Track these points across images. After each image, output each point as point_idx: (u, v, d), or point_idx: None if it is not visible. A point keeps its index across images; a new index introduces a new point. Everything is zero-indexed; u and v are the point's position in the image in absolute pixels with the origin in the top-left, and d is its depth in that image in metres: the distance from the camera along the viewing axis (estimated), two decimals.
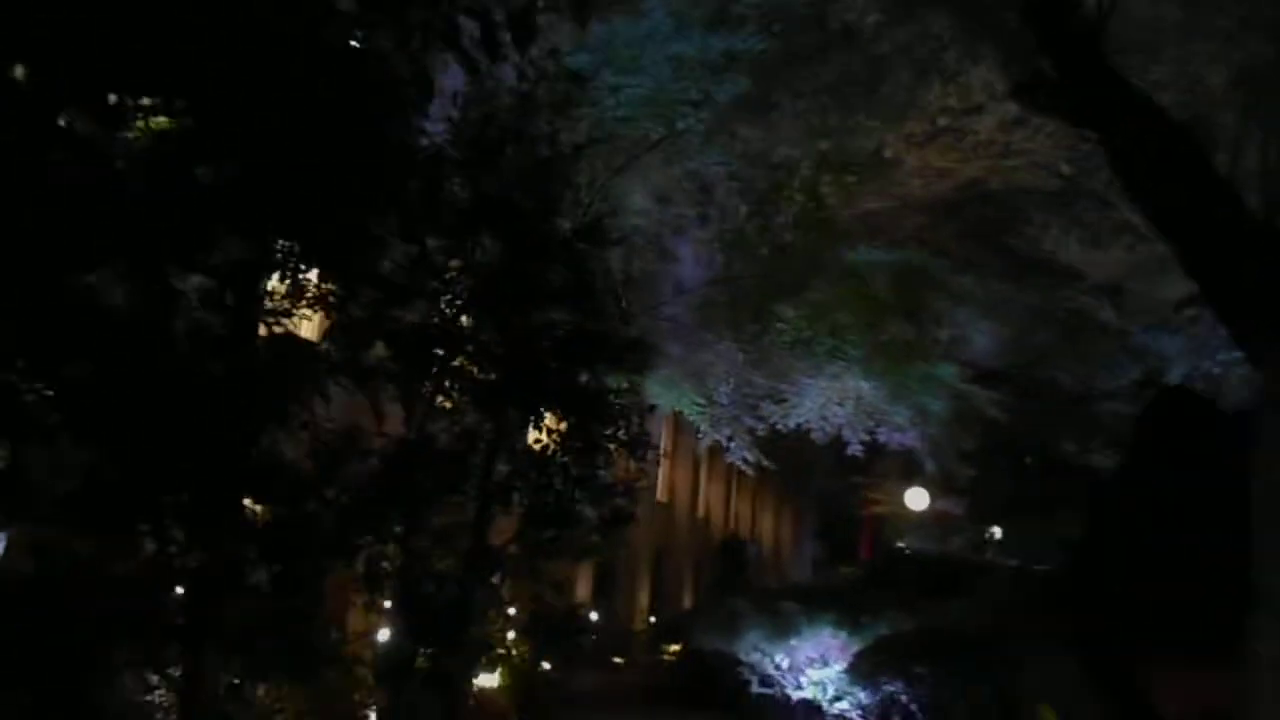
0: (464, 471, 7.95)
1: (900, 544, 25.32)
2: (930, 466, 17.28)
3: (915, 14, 11.74)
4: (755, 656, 16.82)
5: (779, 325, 12.91)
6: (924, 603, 16.17)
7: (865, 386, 14.34)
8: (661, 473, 33.06)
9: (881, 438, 16.16)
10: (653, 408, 9.72)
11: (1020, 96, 11.18)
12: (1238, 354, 15.11)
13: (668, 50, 10.11)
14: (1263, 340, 8.69)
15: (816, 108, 12.57)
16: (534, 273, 8.85)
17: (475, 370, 8.33)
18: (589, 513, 9.31)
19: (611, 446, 9.20)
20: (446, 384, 7.91)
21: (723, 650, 17.34)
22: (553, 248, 9.14)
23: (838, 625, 16.82)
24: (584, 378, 8.94)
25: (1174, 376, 16.11)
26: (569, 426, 8.83)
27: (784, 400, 15.31)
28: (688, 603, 32.39)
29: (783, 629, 17.09)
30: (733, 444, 15.97)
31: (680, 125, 10.77)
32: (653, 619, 27.70)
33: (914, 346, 13.00)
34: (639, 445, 9.27)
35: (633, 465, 9.42)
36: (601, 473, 9.32)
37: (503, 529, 8.78)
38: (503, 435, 8.53)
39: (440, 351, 8.11)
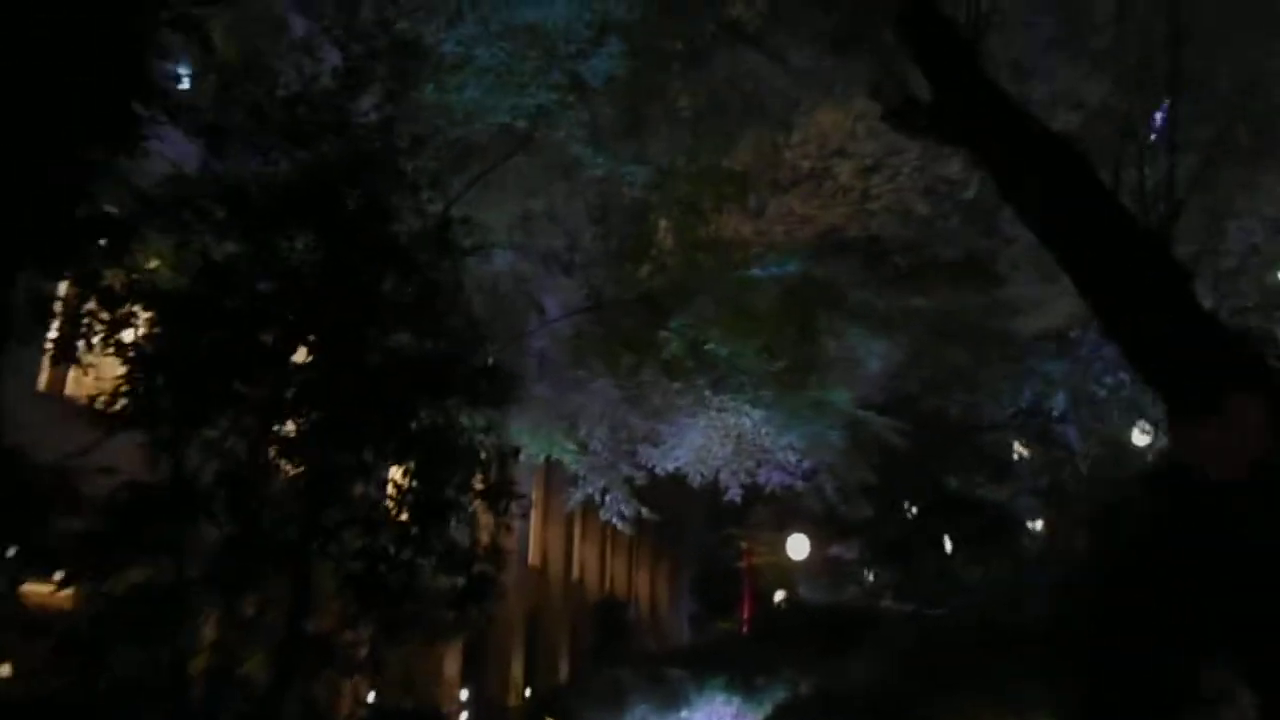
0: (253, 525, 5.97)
1: (783, 595, 24.04)
2: (819, 507, 15.99)
3: (791, 22, 10.83)
4: None
5: (659, 356, 11.41)
6: (821, 659, 14.83)
7: (749, 422, 13.00)
8: (533, 532, 31.16)
9: (762, 479, 14.86)
10: (517, 451, 8.00)
11: (894, 118, 10.56)
12: (1122, 376, 14.80)
13: (524, 16, 8.64)
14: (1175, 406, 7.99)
15: (687, 123, 11.45)
16: (363, 283, 7.06)
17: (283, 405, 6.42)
18: (444, 583, 7.42)
19: (466, 499, 7.39)
20: (234, 420, 5.93)
21: None
22: (389, 255, 7.39)
23: (730, 690, 15.31)
24: (427, 413, 7.15)
25: (1058, 403, 15.60)
26: (411, 474, 7.01)
27: (662, 443, 13.82)
28: (565, 672, 30.42)
29: (671, 699, 15.43)
30: (609, 497, 14.30)
31: (539, 103, 9.26)
32: (529, 691, 25.44)
33: (807, 370, 11.74)
34: (502, 496, 7.48)
35: (497, 523, 7.60)
36: (455, 532, 7.47)
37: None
38: (324, 486, 6.61)
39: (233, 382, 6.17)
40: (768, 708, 14.94)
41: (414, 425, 7.03)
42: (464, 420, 7.47)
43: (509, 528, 7.58)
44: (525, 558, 30.37)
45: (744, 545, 29.89)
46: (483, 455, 7.38)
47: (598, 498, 14.37)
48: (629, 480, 14.23)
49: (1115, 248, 8.22)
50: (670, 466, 14.30)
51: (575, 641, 31.57)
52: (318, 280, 6.96)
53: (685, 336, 10.82)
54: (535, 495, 27.86)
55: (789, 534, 22.75)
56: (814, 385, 12.32)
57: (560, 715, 16.62)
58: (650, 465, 14.19)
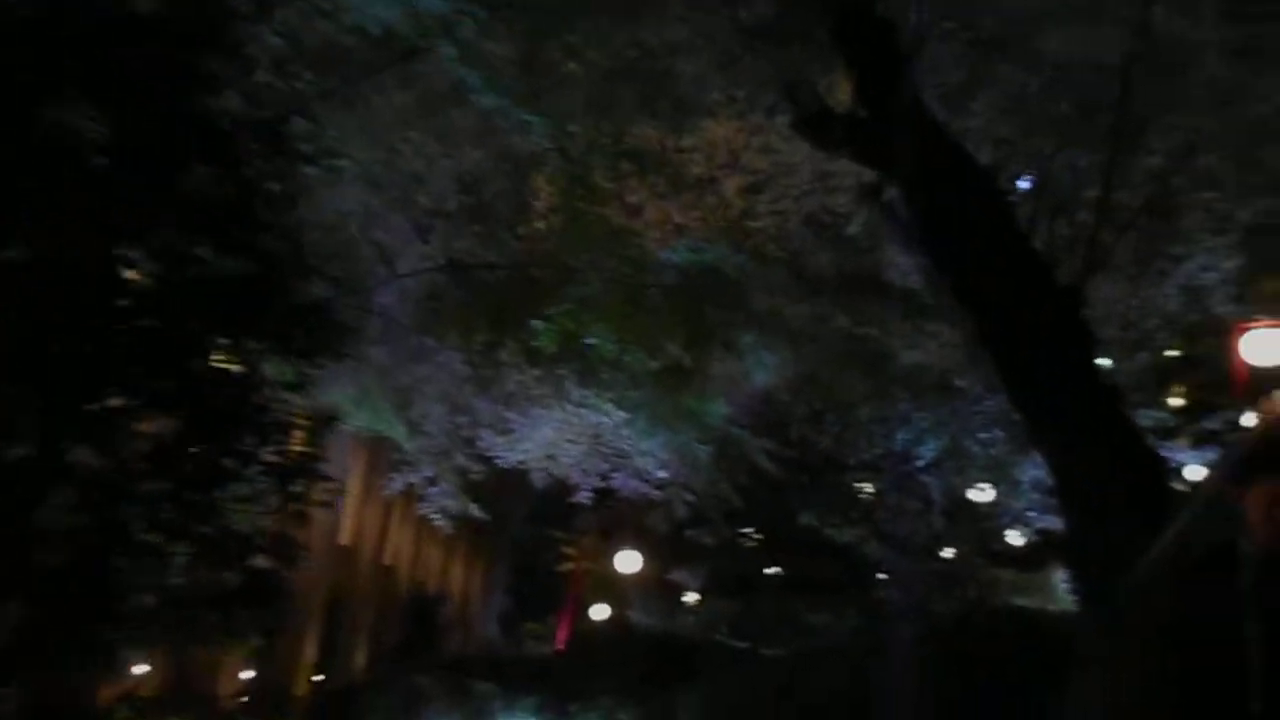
0: None
1: (607, 610, 22.72)
2: (664, 526, 14.72)
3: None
4: None
5: (522, 335, 9.74)
6: (644, 691, 13.56)
7: (610, 422, 11.58)
8: (349, 508, 28.79)
9: (615, 483, 13.49)
10: (332, 420, 6.30)
11: (805, 126, 9.72)
12: (997, 433, 14.29)
13: None
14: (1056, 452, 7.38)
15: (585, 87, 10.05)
16: (149, 159, 5.18)
17: None
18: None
19: (252, 473, 5.60)
20: None
21: None
22: (197, 134, 5.52)
23: (540, 714, 13.80)
24: (217, 353, 5.33)
25: (926, 452, 14.94)
26: (178, 432, 5.19)
27: (509, 432, 12.21)
28: (365, 660, 28.15)
29: (474, 716, 13.76)
30: (434, 489, 12.52)
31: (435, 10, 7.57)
32: (321, 677, 23.59)
33: (688, 375, 10.41)
34: (302, 475, 5.72)
35: (290, 508, 5.81)
36: (236, 516, 5.68)
37: None
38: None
39: None
40: None
41: (193, 366, 5.21)
42: (267, 370, 5.68)
43: (306, 514, 5.83)
44: (335, 535, 28.16)
45: (569, 550, 28.40)
46: (281, 418, 5.62)
47: (423, 487, 12.57)
48: (463, 472, 12.50)
49: (1024, 299, 7.76)
50: (515, 459, 12.69)
51: (380, 631, 29.43)
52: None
53: (559, 321, 9.25)
54: (356, 467, 25.67)
55: (618, 546, 21.46)
56: (691, 392, 11.00)
57: (350, 717, 14.67)
58: (492, 455, 12.53)
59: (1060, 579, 16.99)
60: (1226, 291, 13.77)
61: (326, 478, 5.98)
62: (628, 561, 20.05)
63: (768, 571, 16.17)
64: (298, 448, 5.74)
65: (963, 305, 8.37)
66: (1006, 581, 15.45)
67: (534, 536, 30.92)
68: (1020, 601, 15.46)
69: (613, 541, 22.37)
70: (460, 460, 12.17)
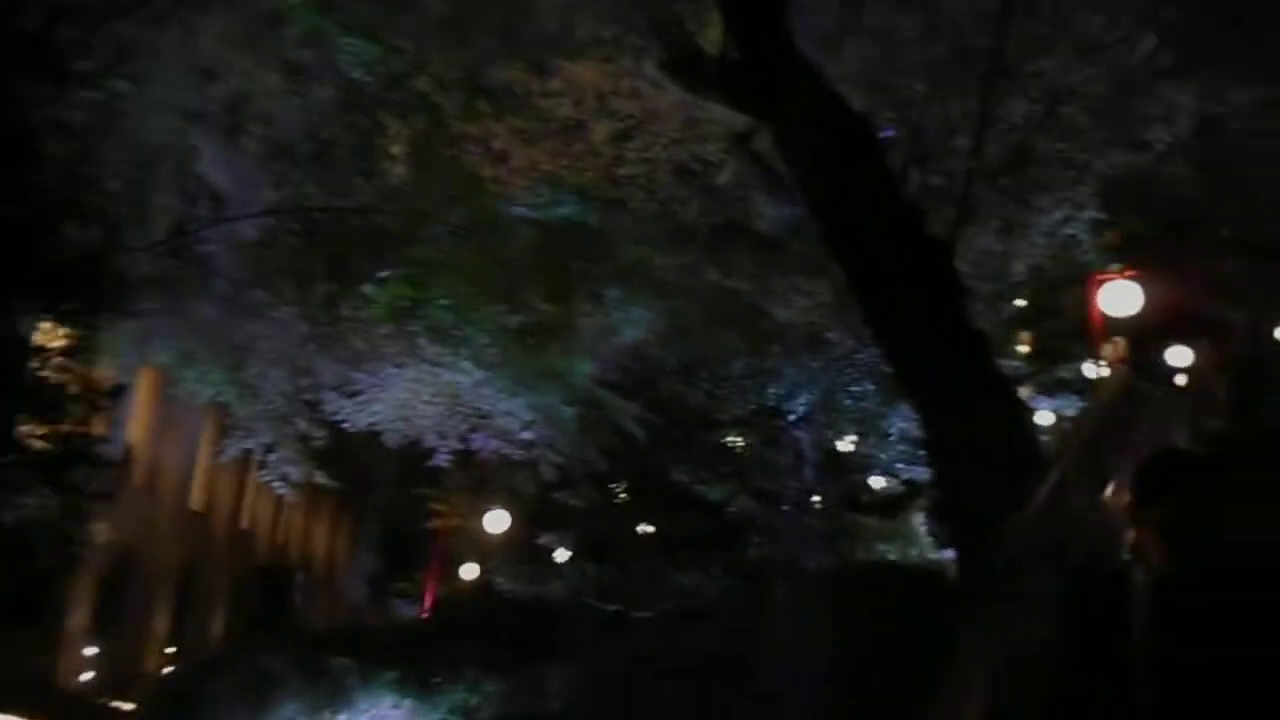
0: None
1: (476, 570, 22.01)
2: (532, 487, 14.05)
3: None
4: None
5: (368, 288, 8.72)
6: (512, 662, 12.98)
7: (468, 381, 10.77)
8: (199, 472, 27.00)
9: (475, 444, 12.74)
10: (119, 390, 5.34)
11: (676, 69, 9.15)
12: (869, 386, 14.23)
13: None
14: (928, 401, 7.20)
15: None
16: None
17: None
18: None
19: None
20: None
21: None
22: None
23: (402, 688, 13.01)
24: None
25: (797, 406, 14.80)
26: None
27: (357, 393, 11.22)
28: (220, 631, 26.67)
29: (329, 697, 12.86)
30: (274, 455, 11.42)
31: None
32: (173, 650, 22.85)
33: (550, 332, 9.67)
34: (77, 458, 4.79)
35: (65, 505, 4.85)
36: None
37: None
38: None
39: None
40: (443, 712, 12.81)
41: None
42: (30, 334, 4.69)
43: (79, 511, 4.89)
44: (185, 500, 26.48)
45: (438, 508, 27.45)
46: (53, 390, 4.67)
47: (260, 454, 11.47)
48: (304, 439, 11.45)
49: (896, 248, 7.55)
50: (365, 422, 11.75)
51: (239, 600, 27.97)
52: None
53: (395, 286, 8.32)
54: (205, 429, 23.97)
55: (489, 505, 20.68)
56: (554, 351, 10.30)
57: (192, 704, 13.51)
58: (339, 419, 11.54)
59: (920, 523, 17.31)
60: (1087, 243, 14.02)
61: (103, 464, 5.06)
62: (496, 521, 19.34)
63: (638, 531, 15.77)
64: (69, 428, 4.79)
65: (834, 255, 8.07)
66: (872, 529, 15.49)
67: (404, 496, 29.86)
68: (885, 549, 15.53)
69: (484, 500, 21.57)
70: (302, 426, 11.12)
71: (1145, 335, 15.25)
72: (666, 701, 9.56)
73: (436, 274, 8.51)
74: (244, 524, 30.36)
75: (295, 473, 11.73)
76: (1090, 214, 13.22)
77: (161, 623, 25.15)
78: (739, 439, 15.47)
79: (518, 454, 12.30)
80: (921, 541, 15.28)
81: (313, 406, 11.24)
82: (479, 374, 10.72)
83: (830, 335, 12.20)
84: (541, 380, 10.35)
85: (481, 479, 20.23)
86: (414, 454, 13.95)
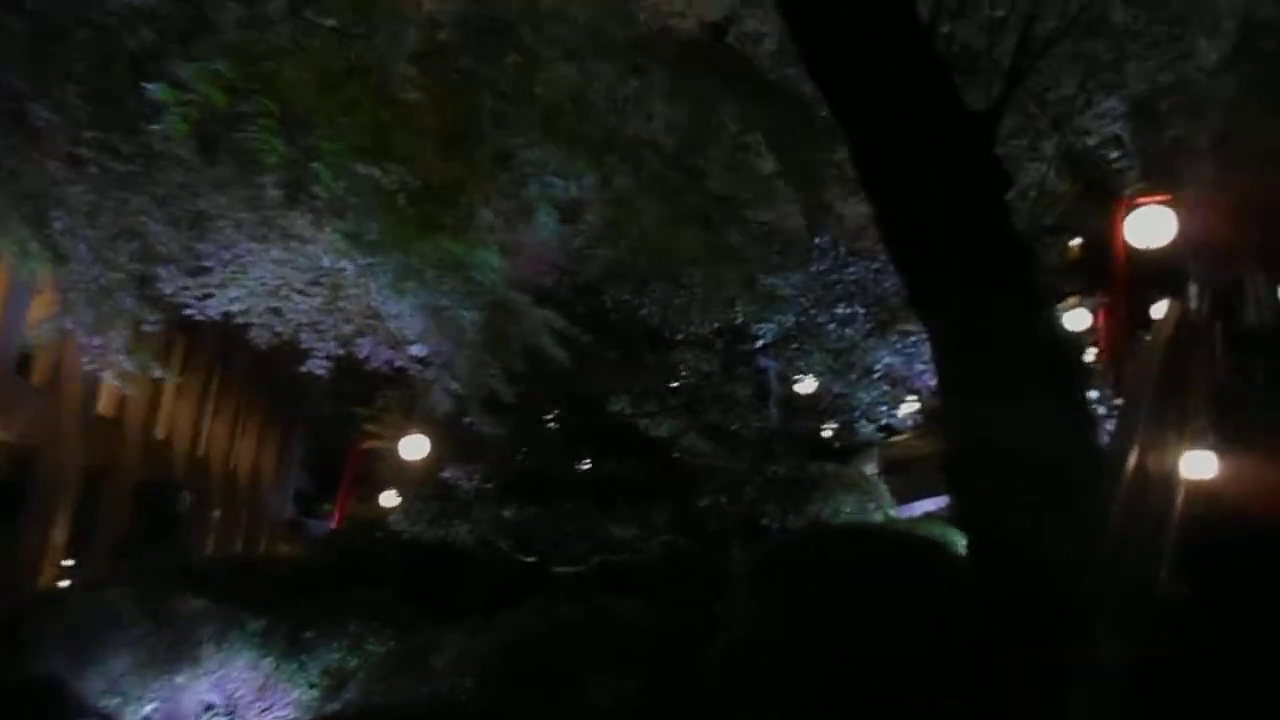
0: None
1: (396, 499, 19.60)
2: (445, 409, 11.49)
3: None
4: (114, 703, 10.03)
5: (157, 87, 5.76)
6: (407, 618, 10.69)
7: (350, 268, 8.28)
8: (107, 377, 24.46)
9: (361, 352, 10.28)
10: None
11: None
12: (858, 309, 11.84)
13: None
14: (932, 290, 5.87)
15: None
16: None
17: None
18: None
19: None
20: None
21: (68, 683, 10.32)
22: None
23: (266, 643, 10.69)
24: None
25: (767, 330, 12.38)
26: None
27: (204, 270, 8.63)
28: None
29: (172, 651, 10.48)
30: (100, 340, 8.76)
31: None
32: (70, 563, 21.16)
33: (446, 201, 6.97)
34: None
35: None
36: None
37: None
38: None
39: None
40: (312, 675, 10.49)
41: None
42: None
43: None
44: (91, 403, 23.98)
45: (370, 428, 25.18)
46: None
47: (82, 339, 8.84)
48: (138, 321, 8.81)
49: (923, 120, 5.97)
50: (217, 311, 9.19)
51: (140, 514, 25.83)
52: None
53: (213, 71, 5.53)
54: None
55: (408, 433, 18.13)
56: (456, 234, 7.72)
57: (17, 642, 11.10)
58: (180, 301, 8.97)
59: (873, 472, 15.16)
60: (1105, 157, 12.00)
61: None
62: (414, 448, 16.82)
63: (568, 470, 13.33)
64: None
65: (841, 120, 6.28)
66: (832, 477, 13.07)
67: (340, 411, 27.79)
68: (844, 502, 13.00)
69: (414, 422, 19.18)
70: (129, 305, 8.48)
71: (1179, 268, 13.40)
72: (594, 687, 7.27)
73: (274, 79, 5.78)
74: (160, 433, 28.05)
75: (130, 364, 9.14)
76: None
77: (60, 533, 23.04)
78: (693, 363, 12.92)
79: (414, 369, 9.87)
80: (881, 494, 12.98)
81: (145, 282, 8.61)
82: (360, 259, 8.16)
83: (819, 239, 9.75)
84: (436, 271, 7.78)
85: (412, 396, 17.86)
86: (349, 363, 11.50)
